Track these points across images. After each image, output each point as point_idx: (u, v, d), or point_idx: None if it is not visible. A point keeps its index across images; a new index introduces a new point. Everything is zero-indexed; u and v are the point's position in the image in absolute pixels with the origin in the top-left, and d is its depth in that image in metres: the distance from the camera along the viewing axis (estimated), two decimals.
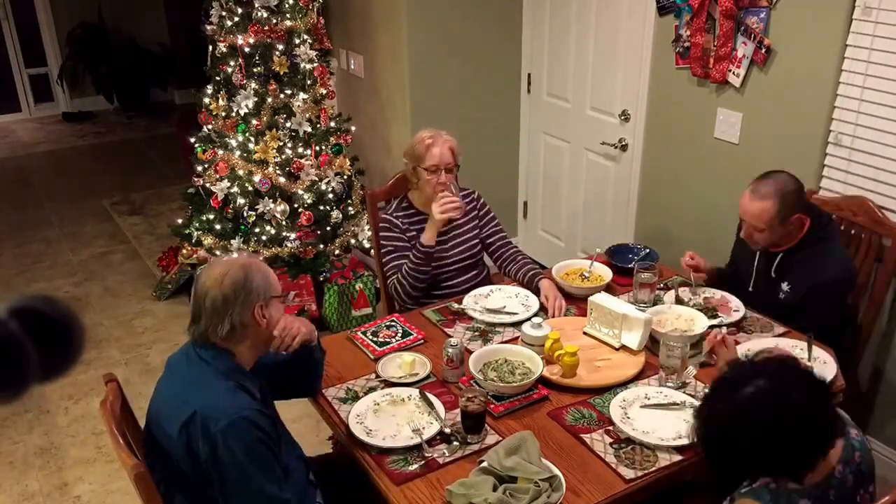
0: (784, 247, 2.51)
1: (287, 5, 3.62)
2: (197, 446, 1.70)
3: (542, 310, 2.59)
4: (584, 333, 2.45)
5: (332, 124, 3.90)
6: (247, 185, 3.70)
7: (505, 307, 2.61)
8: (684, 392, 2.15)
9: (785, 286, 2.52)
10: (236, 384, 1.79)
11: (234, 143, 3.72)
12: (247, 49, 3.59)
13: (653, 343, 2.40)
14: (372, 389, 2.21)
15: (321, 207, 3.77)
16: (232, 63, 3.64)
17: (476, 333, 2.49)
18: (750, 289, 2.64)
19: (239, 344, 1.84)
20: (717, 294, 2.62)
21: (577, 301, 2.68)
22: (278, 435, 1.86)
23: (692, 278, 2.66)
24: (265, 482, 1.73)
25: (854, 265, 2.58)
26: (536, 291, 2.68)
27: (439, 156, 2.70)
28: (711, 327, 2.42)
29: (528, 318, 2.46)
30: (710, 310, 2.52)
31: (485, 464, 1.86)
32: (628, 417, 2.05)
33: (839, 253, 2.51)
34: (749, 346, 2.31)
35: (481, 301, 2.64)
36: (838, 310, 2.51)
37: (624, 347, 2.36)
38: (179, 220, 4.17)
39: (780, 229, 2.43)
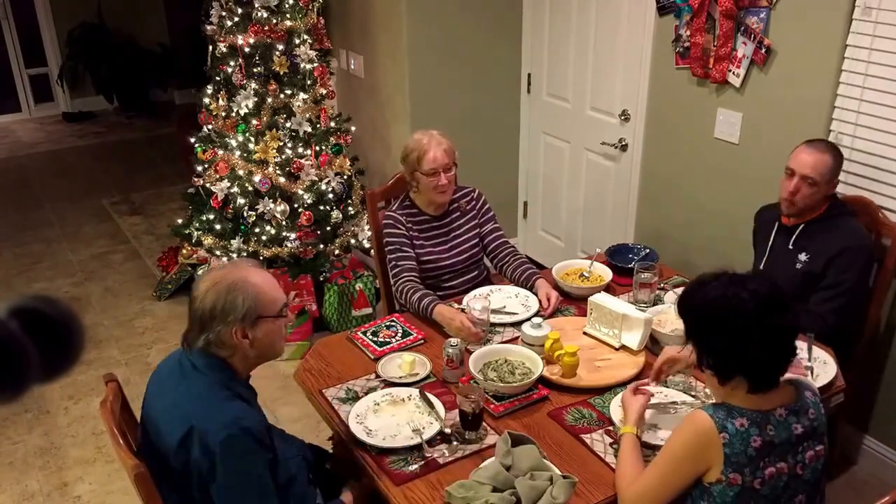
0: (806, 217, 2.58)
1: (287, 5, 3.62)
2: (195, 458, 1.68)
3: (542, 311, 2.58)
4: (585, 333, 2.44)
5: (332, 124, 3.90)
6: (247, 185, 3.70)
7: (505, 307, 2.61)
8: (686, 393, 2.15)
9: (803, 256, 2.57)
10: (231, 393, 1.77)
11: (234, 143, 3.72)
12: (247, 49, 3.59)
13: (653, 343, 2.40)
14: (372, 389, 2.21)
15: (321, 207, 3.77)
16: (232, 63, 3.64)
17: None
18: (762, 267, 2.69)
19: (229, 356, 1.80)
20: None
21: (577, 301, 2.68)
22: (272, 442, 1.81)
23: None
24: (261, 496, 1.72)
25: (871, 238, 2.64)
26: (532, 291, 2.68)
27: (434, 160, 2.68)
28: None
29: (528, 318, 2.46)
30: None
31: (489, 461, 1.86)
32: None
33: (860, 227, 2.59)
34: None
35: (481, 301, 2.62)
36: (865, 276, 2.56)
37: (624, 347, 2.36)
38: (179, 220, 4.17)
39: (825, 188, 2.51)
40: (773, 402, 1.68)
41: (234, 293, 1.74)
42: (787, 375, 1.72)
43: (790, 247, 2.61)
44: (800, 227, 2.60)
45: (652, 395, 2.02)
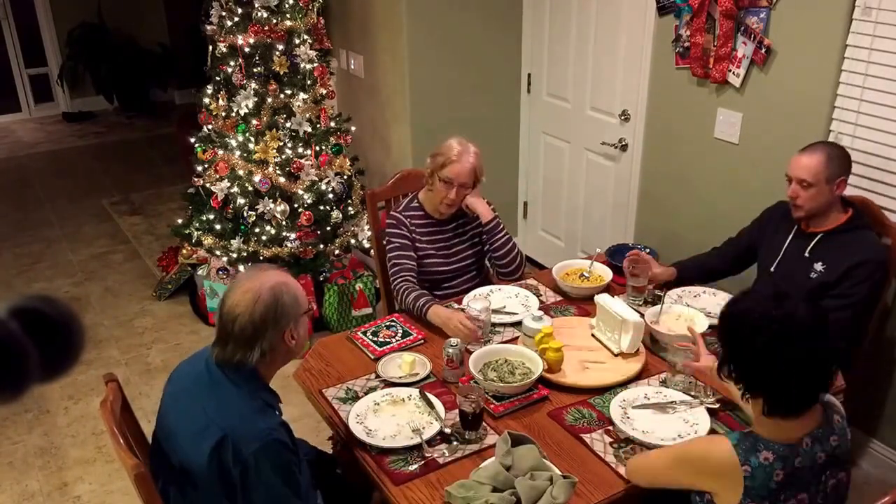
0: (824, 227, 2.52)
1: (287, 5, 3.62)
2: (228, 468, 1.69)
3: (543, 309, 2.58)
4: (593, 336, 2.44)
5: (332, 124, 3.90)
6: (247, 185, 3.70)
7: (505, 307, 2.61)
8: (686, 393, 2.15)
9: (819, 266, 2.50)
10: (263, 403, 1.79)
11: (234, 143, 3.72)
12: (247, 49, 3.59)
13: (653, 343, 2.40)
14: (372, 389, 2.21)
15: (321, 207, 3.77)
16: (232, 63, 3.64)
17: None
18: (772, 269, 2.63)
19: (268, 365, 1.82)
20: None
21: (577, 301, 2.68)
22: (297, 447, 1.84)
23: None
24: (297, 499, 1.75)
25: (889, 254, 2.59)
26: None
27: (458, 173, 2.68)
28: (711, 327, 2.43)
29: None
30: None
31: (489, 461, 1.86)
32: (628, 417, 2.05)
33: (879, 240, 2.54)
34: None
35: (477, 303, 2.61)
36: (873, 293, 2.51)
37: (622, 354, 2.35)
38: (179, 220, 4.16)
39: (825, 191, 2.45)
40: (801, 428, 1.62)
41: (281, 297, 1.77)
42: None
43: (806, 255, 2.54)
44: (818, 237, 2.53)
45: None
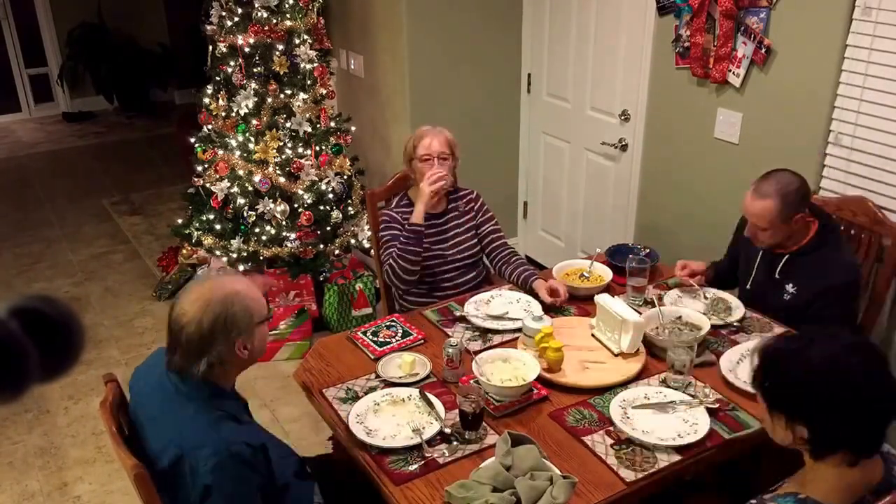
0: (790, 248, 2.49)
1: (287, 5, 3.62)
2: (186, 483, 1.67)
3: (545, 310, 2.58)
4: (593, 336, 2.44)
5: (332, 124, 3.90)
6: (247, 185, 3.70)
7: (507, 313, 2.60)
8: (686, 393, 2.15)
9: (790, 287, 2.49)
10: (221, 414, 1.73)
11: (234, 143, 3.72)
12: (247, 49, 3.59)
13: (652, 345, 2.40)
14: (372, 389, 2.21)
15: (321, 207, 3.77)
16: (232, 63, 3.64)
17: (476, 334, 2.49)
18: (748, 286, 2.64)
19: (222, 375, 1.79)
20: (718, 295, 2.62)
21: (577, 301, 2.68)
22: (267, 458, 1.77)
23: (692, 283, 2.67)
24: None
25: (860, 268, 2.56)
26: (529, 293, 2.68)
27: (429, 145, 2.75)
28: (714, 327, 2.43)
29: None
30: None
31: (489, 461, 1.86)
32: (628, 417, 2.05)
33: (847, 255, 2.50)
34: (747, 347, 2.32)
35: (483, 307, 2.61)
36: (848, 313, 2.49)
37: (622, 354, 2.35)
38: (179, 220, 4.16)
39: (783, 228, 2.41)
40: (862, 482, 1.47)
41: (232, 307, 1.71)
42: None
43: (776, 276, 2.52)
44: (785, 257, 2.50)
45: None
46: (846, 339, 1.47)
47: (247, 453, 1.69)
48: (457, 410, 2.02)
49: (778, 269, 2.52)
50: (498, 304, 2.65)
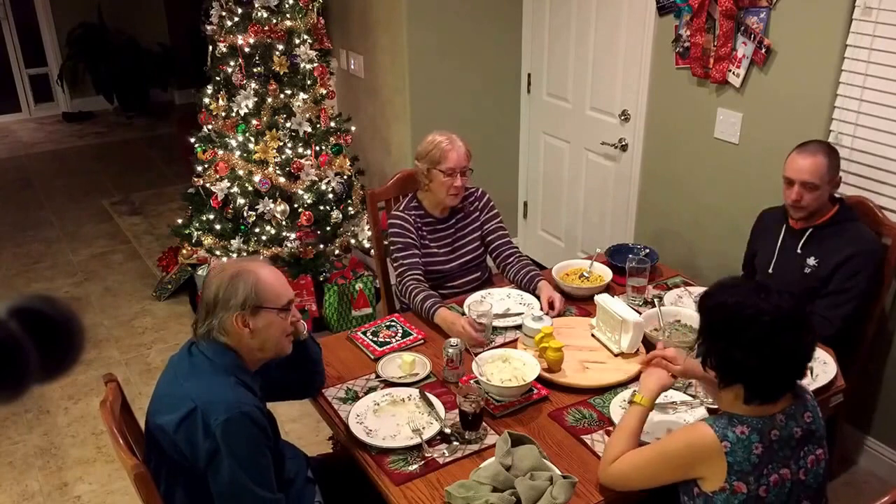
0: (814, 221, 2.57)
1: (287, 5, 3.62)
2: (197, 441, 1.70)
3: (543, 308, 2.58)
4: (593, 336, 2.44)
5: (332, 124, 3.90)
6: (247, 185, 3.70)
7: (509, 309, 2.60)
8: (686, 393, 2.15)
9: (811, 261, 2.56)
10: (237, 380, 1.79)
11: (234, 143, 3.72)
12: (247, 49, 3.59)
13: (653, 343, 2.40)
14: (372, 389, 2.21)
15: (321, 207, 3.77)
16: (232, 63, 3.64)
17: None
18: (770, 271, 2.67)
19: (235, 344, 1.83)
20: None
21: (577, 301, 2.68)
22: (276, 433, 1.85)
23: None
24: (258, 483, 1.73)
25: (882, 246, 2.63)
26: (534, 294, 2.68)
27: (457, 160, 2.70)
28: None
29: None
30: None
31: (489, 461, 1.86)
32: None
33: (870, 231, 2.58)
34: None
35: (477, 308, 2.57)
36: (872, 281, 2.55)
37: (622, 354, 2.35)
38: (179, 220, 4.16)
39: (827, 188, 2.51)
40: (774, 408, 1.67)
41: (236, 281, 1.80)
42: None
43: (798, 251, 2.59)
44: (808, 231, 2.58)
45: (672, 375, 1.96)
46: (781, 299, 1.63)
47: (257, 415, 1.75)
48: (457, 410, 2.02)
49: (800, 244, 2.59)
50: (495, 302, 2.64)
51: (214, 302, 1.79)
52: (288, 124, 3.70)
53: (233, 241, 3.75)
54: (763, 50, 2.89)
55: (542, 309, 2.57)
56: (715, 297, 1.71)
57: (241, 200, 3.71)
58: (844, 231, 2.53)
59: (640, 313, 2.38)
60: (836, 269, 2.49)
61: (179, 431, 1.71)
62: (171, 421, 1.72)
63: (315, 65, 3.73)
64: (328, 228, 3.84)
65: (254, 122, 3.68)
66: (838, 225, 2.55)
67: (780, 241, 2.66)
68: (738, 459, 1.62)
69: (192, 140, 3.93)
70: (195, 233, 3.90)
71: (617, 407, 2.08)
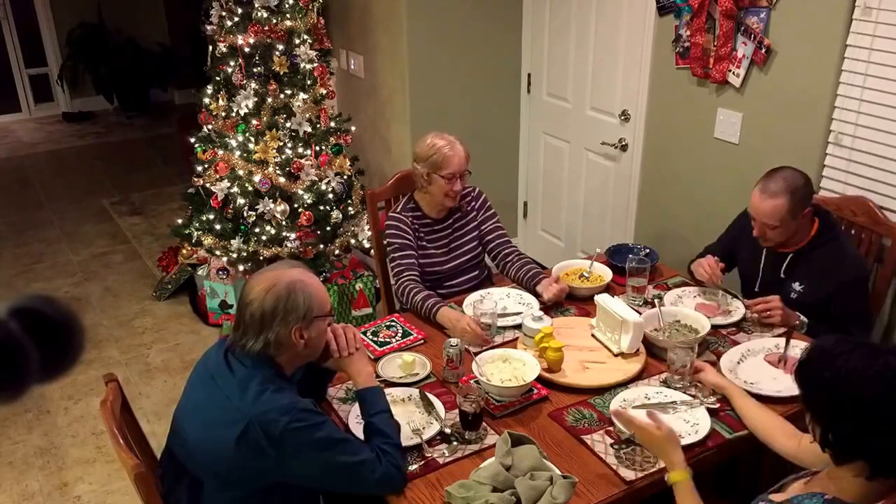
0: (793, 247, 2.51)
1: (287, 5, 3.62)
2: (262, 452, 1.69)
3: (543, 309, 2.57)
4: (593, 336, 2.44)
5: (332, 124, 3.90)
6: (247, 185, 3.69)
7: (506, 308, 2.60)
8: (687, 393, 2.15)
9: (797, 286, 2.50)
10: (278, 386, 1.79)
11: (234, 143, 3.72)
12: (247, 49, 3.59)
13: (653, 343, 2.40)
14: None
15: (321, 207, 3.77)
16: (232, 63, 3.64)
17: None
18: (756, 289, 2.64)
19: (279, 356, 1.83)
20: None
21: (577, 301, 2.68)
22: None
23: (716, 283, 2.59)
24: (348, 453, 1.76)
25: (867, 262, 2.61)
26: (535, 293, 2.67)
27: (458, 165, 2.70)
28: (714, 327, 2.43)
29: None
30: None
31: (489, 461, 1.86)
32: None
33: (852, 250, 2.53)
34: (748, 347, 2.33)
35: (481, 306, 2.58)
36: (865, 306, 2.53)
37: (622, 354, 2.35)
38: (179, 220, 4.16)
39: (792, 225, 2.43)
40: (887, 492, 1.47)
41: (294, 294, 1.79)
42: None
43: (782, 275, 2.53)
44: (789, 256, 2.52)
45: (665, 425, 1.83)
46: (884, 360, 1.43)
47: (312, 405, 1.77)
48: (457, 410, 2.02)
49: (783, 269, 2.53)
50: (491, 301, 2.63)
51: (273, 316, 1.76)
52: (288, 124, 3.70)
53: (233, 241, 3.75)
54: (763, 50, 2.89)
55: (547, 300, 2.57)
56: (823, 366, 1.48)
57: (241, 200, 3.71)
58: (825, 256, 2.44)
59: (640, 313, 2.38)
60: (828, 299, 2.41)
61: (239, 447, 1.70)
62: (227, 437, 1.70)
63: (315, 65, 3.73)
64: (328, 228, 3.84)
65: (254, 122, 3.67)
66: (819, 250, 2.46)
67: (763, 261, 2.60)
68: None
69: (192, 140, 3.93)
70: (195, 233, 3.90)
71: (617, 407, 2.07)
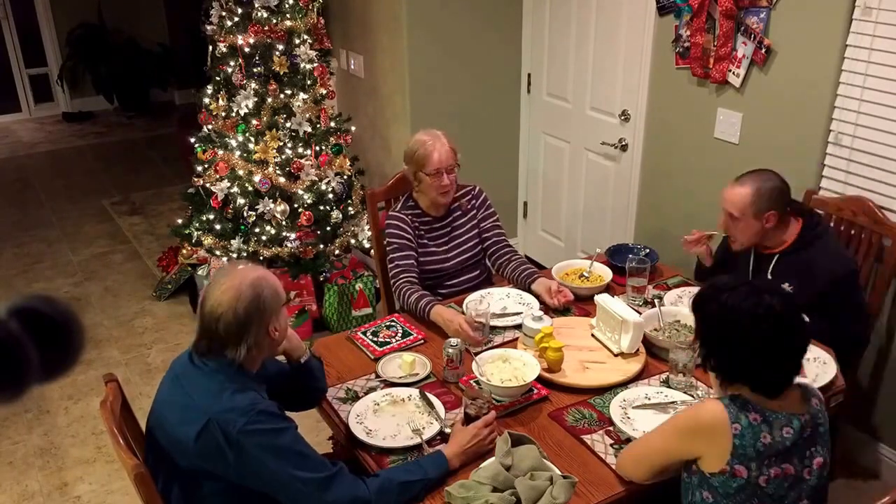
0: (778, 248, 2.51)
1: (287, 5, 3.62)
2: (222, 452, 1.69)
3: (543, 309, 2.57)
4: (593, 336, 2.44)
5: (332, 124, 3.90)
6: (247, 185, 3.70)
7: (506, 308, 2.61)
8: (688, 393, 2.15)
9: (786, 286, 2.48)
10: (242, 386, 1.78)
11: (234, 143, 3.72)
12: (247, 49, 3.59)
13: (651, 345, 2.40)
14: (372, 389, 2.21)
15: (321, 207, 3.77)
16: (232, 63, 3.64)
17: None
18: None
19: (252, 359, 1.82)
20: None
21: (577, 301, 2.68)
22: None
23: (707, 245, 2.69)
24: (302, 461, 1.73)
25: (853, 258, 2.62)
26: (530, 289, 2.67)
27: (439, 160, 2.69)
28: None
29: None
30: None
31: (489, 461, 1.86)
32: (629, 418, 2.05)
33: (836, 249, 2.53)
34: None
35: (476, 306, 2.58)
36: (860, 300, 2.54)
37: (622, 354, 2.35)
38: (179, 220, 4.16)
39: (753, 224, 2.43)
40: (782, 407, 1.68)
41: (261, 291, 1.78)
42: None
43: (769, 276, 2.53)
44: (774, 258, 2.52)
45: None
46: (759, 298, 1.64)
47: (274, 409, 1.76)
48: (457, 410, 2.02)
49: (770, 270, 2.54)
50: (493, 301, 2.64)
51: (248, 321, 1.74)
52: (288, 124, 3.70)
53: (233, 241, 3.75)
54: (763, 50, 2.89)
55: (547, 303, 2.57)
56: (710, 300, 1.72)
57: (241, 200, 3.71)
58: (811, 256, 2.44)
59: (640, 313, 2.38)
60: (822, 297, 2.40)
61: (197, 446, 1.70)
62: (187, 434, 1.70)
63: (315, 65, 3.73)
64: (328, 228, 3.84)
65: (254, 122, 3.68)
66: (803, 251, 2.46)
67: (751, 263, 2.61)
68: (745, 444, 1.63)
69: (192, 140, 3.93)
70: (195, 233, 3.90)
71: (617, 407, 2.08)
